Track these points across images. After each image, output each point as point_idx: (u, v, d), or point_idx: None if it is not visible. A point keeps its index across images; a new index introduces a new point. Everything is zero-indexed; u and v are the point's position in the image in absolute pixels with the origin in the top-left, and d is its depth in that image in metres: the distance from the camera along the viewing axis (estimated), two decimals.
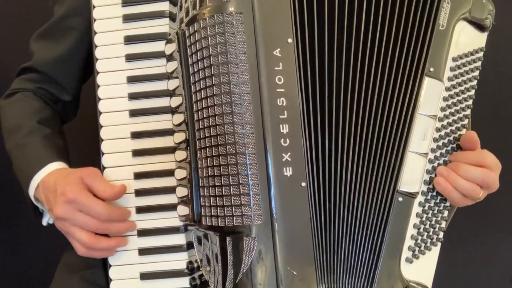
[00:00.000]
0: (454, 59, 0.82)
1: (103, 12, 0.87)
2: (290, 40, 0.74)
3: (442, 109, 0.81)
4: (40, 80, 0.99)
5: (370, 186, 0.77)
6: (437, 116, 0.80)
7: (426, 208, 0.80)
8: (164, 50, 0.83)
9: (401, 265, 0.78)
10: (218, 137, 0.73)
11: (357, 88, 0.77)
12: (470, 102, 0.84)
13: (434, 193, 0.81)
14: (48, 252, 1.33)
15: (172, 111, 0.82)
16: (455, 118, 0.82)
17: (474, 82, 0.84)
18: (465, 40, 0.83)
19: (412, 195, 0.78)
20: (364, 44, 0.77)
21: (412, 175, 0.78)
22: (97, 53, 0.87)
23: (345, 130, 0.76)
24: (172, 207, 0.83)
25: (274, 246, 0.72)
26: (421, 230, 0.80)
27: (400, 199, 0.77)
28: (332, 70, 0.76)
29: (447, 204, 0.82)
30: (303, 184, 0.73)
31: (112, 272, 0.86)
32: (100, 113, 0.87)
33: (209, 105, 0.74)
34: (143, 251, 0.85)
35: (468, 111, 0.84)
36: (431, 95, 0.79)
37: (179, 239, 0.85)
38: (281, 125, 0.73)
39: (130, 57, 0.87)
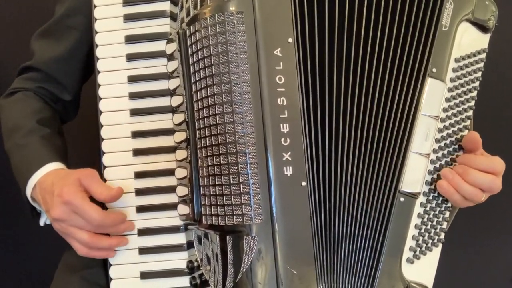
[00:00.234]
0: (456, 60, 0.81)
1: (104, 11, 0.87)
2: (290, 40, 0.74)
3: (444, 110, 0.81)
4: (41, 79, 0.99)
5: (371, 185, 0.77)
6: (439, 117, 0.80)
7: (427, 208, 0.80)
8: (164, 49, 0.83)
9: (402, 265, 0.78)
10: (219, 136, 0.73)
11: (357, 87, 0.77)
12: (472, 103, 0.84)
13: (436, 194, 0.80)
14: (48, 252, 1.33)
15: (173, 110, 0.82)
16: (457, 119, 0.82)
17: (477, 84, 0.84)
18: (468, 41, 0.83)
19: (413, 196, 0.78)
20: (365, 44, 0.77)
21: (414, 176, 0.78)
22: (98, 52, 0.87)
23: (346, 130, 0.76)
24: (172, 207, 0.83)
25: (274, 245, 0.72)
26: (423, 230, 0.79)
27: (402, 199, 0.77)
28: (332, 70, 0.76)
29: (449, 205, 0.82)
30: (303, 183, 0.73)
31: (112, 272, 0.86)
32: (101, 112, 0.87)
33: (209, 104, 0.74)
34: (143, 250, 0.85)
35: (470, 112, 0.84)
36: (434, 96, 0.79)
37: (180, 238, 0.85)
38: (281, 125, 0.73)
39: (131, 57, 0.87)
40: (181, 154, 0.81)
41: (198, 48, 0.76)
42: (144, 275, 0.86)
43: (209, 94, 0.74)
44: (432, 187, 0.80)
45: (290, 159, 0.73)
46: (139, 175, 0.86)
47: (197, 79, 0.77)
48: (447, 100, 0.81)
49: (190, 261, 0.85)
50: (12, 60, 1.18)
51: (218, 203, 0.73)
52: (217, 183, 0.74)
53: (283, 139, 0.73)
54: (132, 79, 0.87)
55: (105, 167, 0.86)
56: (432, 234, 0.80)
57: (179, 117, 0.81)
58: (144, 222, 0.86)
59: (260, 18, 0.74)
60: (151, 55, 0.86)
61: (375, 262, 0.76)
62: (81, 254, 0.81)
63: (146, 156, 0.86)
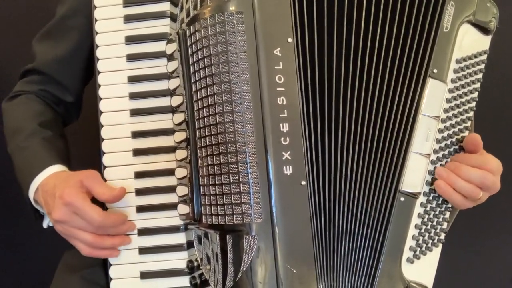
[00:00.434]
0: (457, 61, 0.81)
1: (104, 12, 0.88)
2: (290, 40, 0.74)
3: (445, 111, 0.81)
4: (43, 81, 0.99)
5: (371, 185, 0.77)
6: (440, 118, 0.80)
7: (428, 208, 0.80)
8: (165, 50, 0.83)
9: (402, 265, 0.77)
10: (219, 135, 0.73)
11: (357, 87, 0.77)
12: (473, 104, 0.84)
13: (436, 194, 0.80)
14: (48, 252, 1.33)
15: (173, 110, 0.83)
16: (458, 120, 0.82)
17: (478, 85, 0.84)
18: (469, 42, 0.83)
19: (414, 196, 0.78)
20: (364, 43, 0.77)
21: (415, 176, 0.78)
22: (98, 53, 0.88)
23: (345, 129, 0.76)
24: (172, 206, 0.83)
25: (274, 244, 0.72)
26: (423, 230, 0.79)
27: (402, 199, 0.77)
28: (332, 69, 0.76)
29: (449, 205, 0.82)
30: (303, 182, 0.73)
31: (112, 271, 0.86)
32: (101, 112, 0.87)
33: (209, 104, 0.74)
34: (143, 250, 0.86)
35: (471, 113, 0.84)
36: (434, 97, 0.79)
37: (180, 238, 0.85)
38: (281, 124, 0.73)
39: (131, 57, 0.87)
40: (181, 153, 0.81)
41: (198, 48, 0.76)
42: (144, 275, 0.86)
43: (209, 94, 0.74)
44: (433, 187, 0.80)
45: (290, 158, 0.73)
46: (139, 175, 0.86)
47: (197, 78, 0.77)
48: (448, 100, 0.81)
49: (190, 261, 0.85)
50: (14, 62, 1.18)
51: (218, 202, 0.74)
52: (217, 182, 0.74)
53: (282, 138, 0.73)
54: (132, 79, 0.87)
55: (105, 167, 0.87)
56: (432, 234, 0.80)
57: (179, 117, 0.81)
58: (144, 222, 0.86)
59: (259, 18, 0.74)
60: (151, 55, 0.86)
61: (375, 261, 0.76)
62: (84, 254, 0.82)
63: (146, 156, 0.86)
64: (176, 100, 0.81)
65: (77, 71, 0.99)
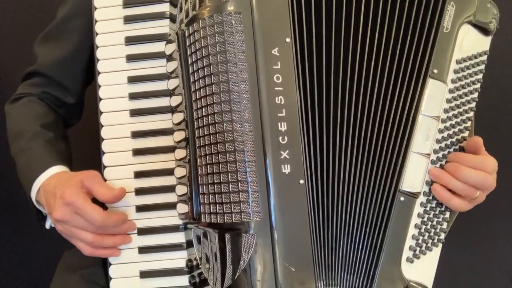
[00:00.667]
0: (458, 62, 0.82)
1: (104, 13, 0.88)
2: (288, 40, 0.75)
3: (445, 111, 0.81)
4: (45, 83, 1.00)
5: (370, 184, 0.77)
6: (440, 118, 0.80)
7: (427, 208, 0.79)
8: (164, 50, 0.84)
9: (401, 264, 0.77)
10: (217, 135, 0.74)
11: (355, 87, 0.77)
12: (473, 104, 0.84)
13: None
14: (48, 252, 1.34)
15: (172, 110, 0.83)
16: (458, 120, 0.82)
17: (478, 85, 0.84)
18: (469, 43, 0.83)
19: (414, 195, 0.78)
20: (363, 43, 0.77)
21: (414, 176, 0.78)
22: (98, 54, 0.88)
23: (343, 129, 0.76)
24: (172, 206, 0.83)
25: (273, 242, 0.72)
26: (423, 230, 0.79)
27: (402, 198, 0.77)
28: (330, 69, 0.76)
29: None
30: (301, 181, 0.73)
31: (112, 271, 0.86)
32: (101, 112, 0.87)
33: (208, 103, 0.75)
34: (143, 250, 0.86)
35: (471, 113, 0.84)
36: (435, 97, 0.79)
37: (179, 237, 0.85)
38: (279, 123, 0.73)
39: (130, 58, 0.87)
40: (180, 153, 0.81)
41: (197, 48, 0.76)
42: (144, 274, 0.86)
43: (207, 94, 0.75)
44: None
45: (288, 157, 0.73)
46: (138, 174, 0.86)
47: (195, 78, 0.77)
48: (448, 101, 0.81)
49: (190, 260, 0.85)
50: (16, 65, 1.19)
51: (217, 201, 0.74)
52: (215, 181, 0.74)
53: (281, 137, 0.73)
54: (132, 79, 0.87)
55: (105, 167, 0.87)
56: (432, 234, 0.80)
57: (178, 117, 0.81)
58: (144, 221, 0.86)
59: (257, 18, 0.74)
60: (151, 56, 0.87)
61: (374, 261, 0.76)
62: (86, 254, 0.82)
63: (146, 156, 0.86)
64: (175, 100, 0.82)
65: (78, 72, 1.00)
